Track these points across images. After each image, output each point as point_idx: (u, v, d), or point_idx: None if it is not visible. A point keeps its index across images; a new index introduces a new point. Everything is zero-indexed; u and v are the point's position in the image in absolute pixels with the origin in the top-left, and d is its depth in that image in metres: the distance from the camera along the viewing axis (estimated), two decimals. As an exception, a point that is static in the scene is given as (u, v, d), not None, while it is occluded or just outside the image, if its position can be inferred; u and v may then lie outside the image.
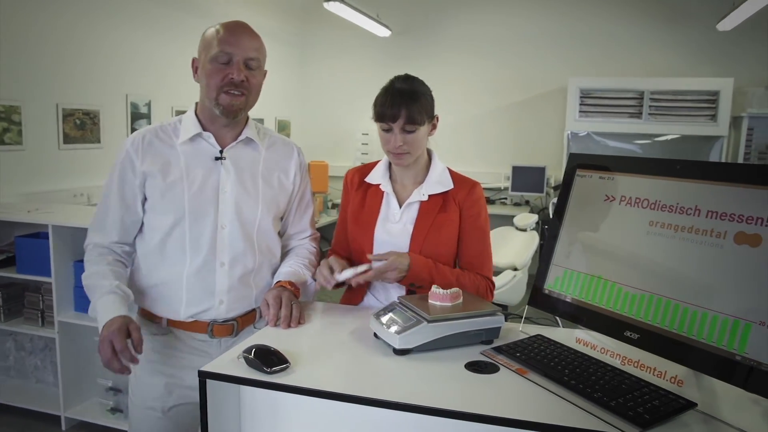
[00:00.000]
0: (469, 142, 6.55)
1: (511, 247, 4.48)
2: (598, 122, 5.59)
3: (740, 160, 5.37)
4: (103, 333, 1.45)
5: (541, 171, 6.10)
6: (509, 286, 4.02)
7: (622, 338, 1.32)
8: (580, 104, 5.60)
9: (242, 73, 1.58)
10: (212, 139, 1.66)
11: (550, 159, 6.20)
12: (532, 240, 4.59)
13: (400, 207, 1.83)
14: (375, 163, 1.95)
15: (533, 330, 1.60)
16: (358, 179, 1.91)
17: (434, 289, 1.52)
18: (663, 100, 5.41)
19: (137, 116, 4.63)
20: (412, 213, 1.82)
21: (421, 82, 1.77)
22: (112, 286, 1.55)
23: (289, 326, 1.55)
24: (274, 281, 1.72)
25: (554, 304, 1.51)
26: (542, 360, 1.36)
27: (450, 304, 1.50)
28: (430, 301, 1.52)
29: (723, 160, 5.33)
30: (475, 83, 6.47)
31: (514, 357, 1.39)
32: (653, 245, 1.32)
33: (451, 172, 1.90)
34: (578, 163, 1.57)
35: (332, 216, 6.56)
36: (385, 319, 1.46)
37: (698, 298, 1.21)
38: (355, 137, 6.51)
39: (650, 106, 5.42)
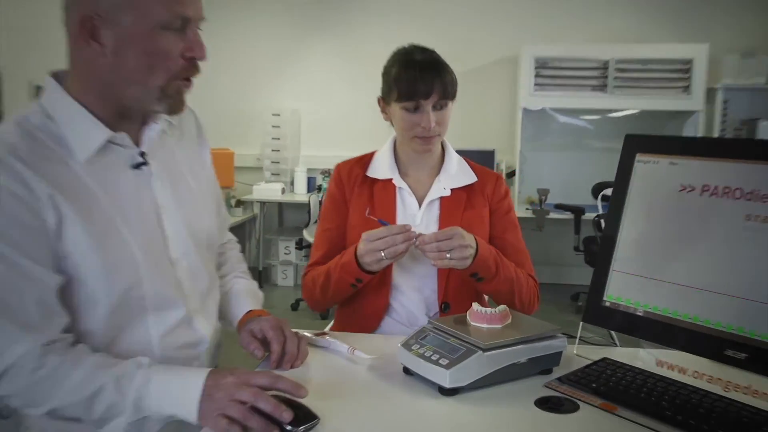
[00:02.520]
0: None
1: None
2: (556, 96, 5.72)
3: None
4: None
5: (489, 156, 6.16)
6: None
7: (723, 359, 1.32)
8: (536, 76, 5.71)
9: (204, 46, 1.31)
10: (128, 140, 1.35)
11: (500, 141, 6.28)
12: None
13: (419, 205, 1.83)
14: (368, 156, 1.91)
15: (588, 352, 1.60)
16: (359, 173, 1.85)
17: (476, 307, 1.48)
18: (630, 71, 5.61)
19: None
20: (434, 211, 1.85)
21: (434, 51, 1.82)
22: (137, 362, 1.24)
23: (292, 366, 1.49)
24: (241, 308, 1.61)
25: (620, 319, 1.51)
26: (627, 390, 1.34)
27: (500, 327, 1.46)
28: (472, 323, 1.47)
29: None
30: (409, 51, 6.43)
31: (590, 389, 1.36)
32: (754, 243, 1.32)
33: (466, 160, 1.95)
34: (638, 146, 1.56)
35: (237, 216, 6.39)
36: (422, 349, 1.41)
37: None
38: (263, 119, 6.34)
39: (615, 78, 5.60)
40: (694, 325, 1.38)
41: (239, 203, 6.39)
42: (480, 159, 6.70)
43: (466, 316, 1.49)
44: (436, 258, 1.64)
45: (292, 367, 1.48)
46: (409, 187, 1.87)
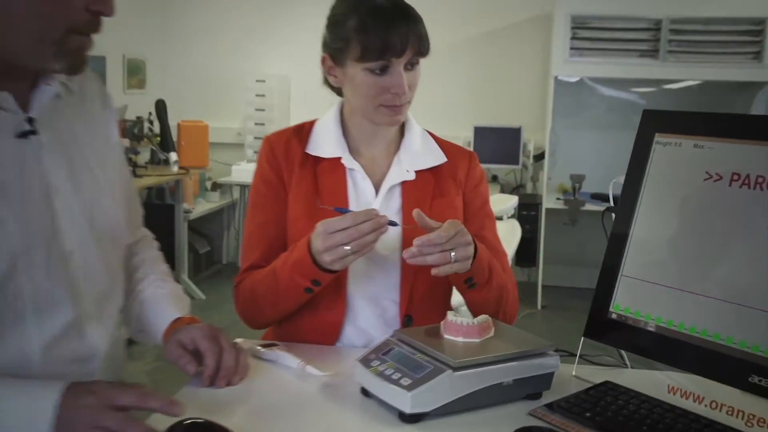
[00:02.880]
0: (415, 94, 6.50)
1: None
2: (596, 64, 5.67)
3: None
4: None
5: (515, 134, 6.16)
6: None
7: (747, 386, 1.31)
8: (572, 38, 5.67)
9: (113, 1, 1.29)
10: (11, 103, 1.31)
11: (528, 117, 6.27)
12: (512, 233, 4.62)
13: (377, 191, 1.80)
14: (307, 127, 1.86)
15: (590, 374, 1.59)
16: (298, 149, 1.80)
17: (451, 317, 1.47)
18: (688, 32, 5.54)
19: None
20: (394, 200, 1.80)
21: None
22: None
23: (228, 384, 1.47)
24: (166, 316, 1.59)
25: (627, 334, 1.51)
26: (627, 422, 1.32)
27: (479, 341, 1.45)
28: (446, 336, 1.46)
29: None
30: (423, 9, 6.42)
31: (583, 418, 1.34)
32: (790, 246, 1.31)
33: (432, 135, 1.91)
34: (657, 124, 1.55)
35: (213, 202, 6.40)
36: (382, 366, 1.40)
37: None
38: (246, 86, 6.34)
39: (670, 41, 5.55)
40: (715, 345, 1.37)
41: (215, 186, 6.42)
42: (503, 138, 6.68)
43: (439, 327, 1.48)
44: (440, 261, 1.55)
45: (228, 384, 1.46)
46: (363, 168, 1.81)
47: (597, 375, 1.57)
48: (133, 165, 5.44)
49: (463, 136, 6.39)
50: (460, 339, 1.44)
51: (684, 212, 1.48)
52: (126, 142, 5.51)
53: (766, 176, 1.36)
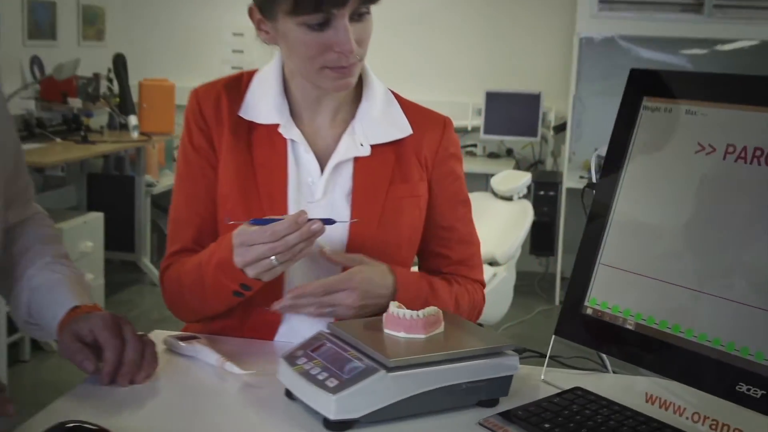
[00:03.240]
0: (414, 54, 6.54)
1: (489, 227, 4.51)
2: (629, 20, 5.65)
3: None
4: None
5: (533, 101, 6.16)
6: (486, 291, 4.06)
7: (733, 396, 1.30)
8: (601, -10, 5.65)
9: None
10: None
11: (549, 81, 6.26)
12: (523, 215, 4.65)
13: (322, 170, 1.75)
14: (244, 81, 1.80)
15: (564, 379, 1.58)
16: (229, 110, 1.76)
17: (393, 308, 1.46)
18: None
19: None
20: (343, 181, 1.75)
21: None
22: None
23: (132, 382, 1.47)
24: (62, 304, 1.57)
25: (603, 333, 1.51)
26: None
27: (424, 337, 1.44)
28: (386, 331, 1.46)
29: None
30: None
31: (541, 430, 1.34)
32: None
33: (398, 98, 1.84)
34: (645, 85, 1.54)
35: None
36: (308, 365, 1.40)
37: None
38: (223, 41, 6.34)
39: (716, -6, 5.52)
40: (700, 347, 1.36)
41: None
42: (519, 106, 6.75)
43: (382, 320, 1.48)
44: (316, 314, 1.64)
45: (132, 382, 1.46)
46: (307, 139, 1.76)
47: (571, 380, 1.56)
48: (86, 129, 5.45)
49: (472, 103, 6.40)
50: (401, 334, 1.43)
51: (672, 190, 1.47)
52: (78, 102, 5.52)
53: (764, 149, 1.34)
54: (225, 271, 1.60)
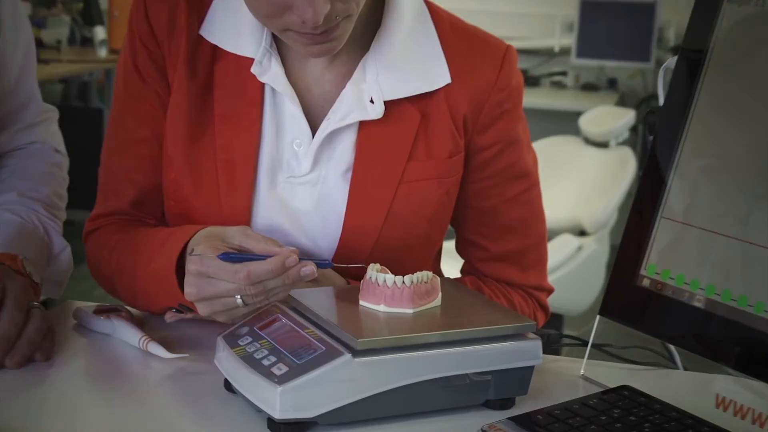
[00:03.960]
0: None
1: (575, 184, 4.52)
2: None
3: None
4: None
5: (645, 12, 6.11)
6: (566, 272, 4.15)
7: None
8: None
9: None
10: None
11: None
12: (622, 168, 4.63)
13: (313, 132, 1.71)
14: None
15: (611, 375, 1.60)
16: (188, 23, 1.71)
17: (371, 273, 1.46)
18: None
19: None
20: (343, 151, 1.72)
21: None
22: None
23: (20, 364, 1.50)
24: None
25: (662, 313, 1.51)
26: None
27: (411, 311, 1.44)
28: (362, 303, 1.47)
29: None
30: None
31: None
32: None
33: (438, 18, 1.76)
34: None
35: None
36: (251, 346, 1.41)
37: None
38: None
39: None
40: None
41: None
42: (628, 21, 6.76)
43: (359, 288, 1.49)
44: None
45: (19, 364, 1.49)
46: (294, 85, 1.70)
47: (620, 377, 1.57)
48: (37, 44, 5.49)
49: (561, 16, 6.38)
50: (381, 308, 1.44)
51: (765, 113, 1.45)
52: (27, 7, 5.56)
53: None
54: (163, 287, 1.60)
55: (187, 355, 1.54)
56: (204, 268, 1.47)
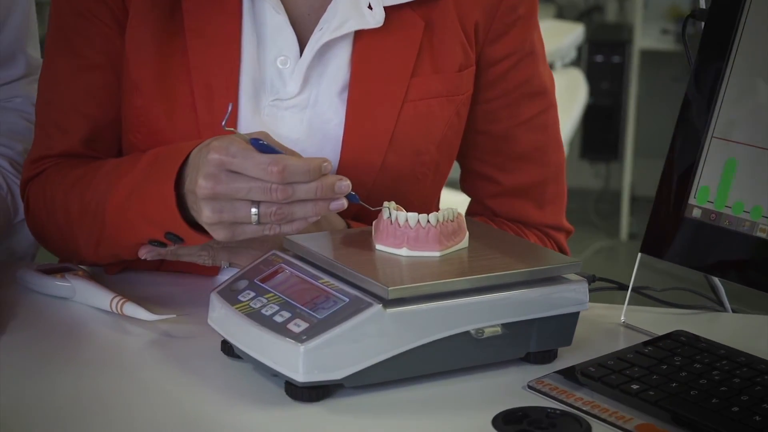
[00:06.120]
0: None
1: None
2: None
3: None
4: None
5: None
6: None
7: None
8: None
9: None
10: None
11: None
12: (571, 94, 4.74)
13: (302, 47, 1.70)
14: None
15: (654, 321, 1.61)
16: None
17: (389, 212, 1.44)
18: None
19: None
20: (337, 67, 1.72)
21: None
22: None
23: None
24: None
25: (715, 246, 1.52)
26: (708, 400, 1.31)
27: (439, 254, 1.44)
28: (379, 247, 1.46)
29: None
30: None
31: (625, 393, 1.33)
32: None
33: None
34: None
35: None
36: (257, 301, 1.40)
37: None
38: None
39: None
40: None
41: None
42: None
43: (371, 231, 1.49)
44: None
45: None
46: None
47: (664, 323, 1.58)
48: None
49: None
50: (403, 251, 1.43)
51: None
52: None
53: None
54: (151, 211, 1.55)
55: (174, 315, 1.52)
56: (228, 157, 1.40)
